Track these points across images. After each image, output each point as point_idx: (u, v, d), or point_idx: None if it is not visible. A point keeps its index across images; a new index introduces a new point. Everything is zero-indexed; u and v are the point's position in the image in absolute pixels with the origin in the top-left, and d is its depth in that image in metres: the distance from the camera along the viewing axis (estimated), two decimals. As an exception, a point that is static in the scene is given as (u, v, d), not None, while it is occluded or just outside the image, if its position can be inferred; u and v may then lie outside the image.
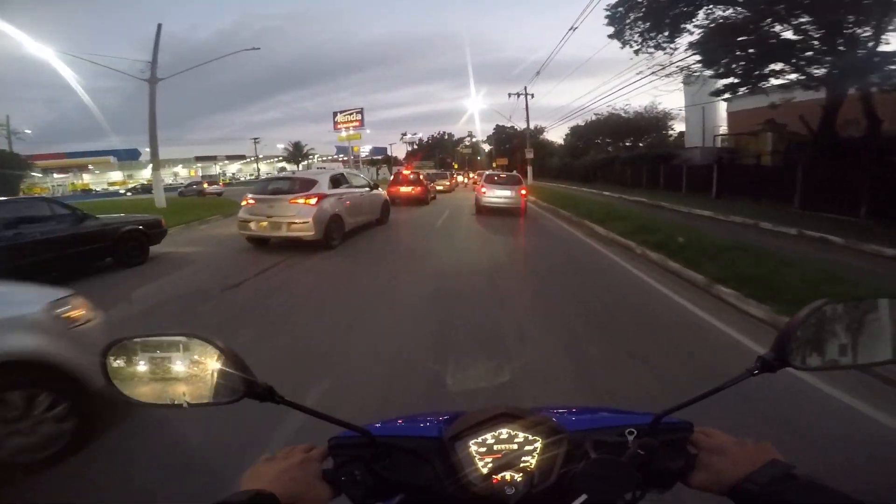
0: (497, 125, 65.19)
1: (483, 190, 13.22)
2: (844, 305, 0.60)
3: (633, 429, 0.61)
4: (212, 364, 0.57)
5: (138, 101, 16.78)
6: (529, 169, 30.55)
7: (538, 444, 0.62)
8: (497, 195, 13.00)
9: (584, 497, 0.53)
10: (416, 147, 72.84)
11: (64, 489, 1.97)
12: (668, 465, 0.61)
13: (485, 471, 0.61)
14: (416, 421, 0.79)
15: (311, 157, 69.13)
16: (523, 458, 0.61)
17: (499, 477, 0.60)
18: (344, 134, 37.68)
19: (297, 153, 67.29)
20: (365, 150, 59.51)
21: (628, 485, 0.55)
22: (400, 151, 71.28)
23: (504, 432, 0.63)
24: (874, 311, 0.60)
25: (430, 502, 0.64)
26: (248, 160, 68.99)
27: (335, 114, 38.17)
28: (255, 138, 63.01)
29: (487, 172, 16.28)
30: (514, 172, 16.61)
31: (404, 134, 68.63)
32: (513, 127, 61.90)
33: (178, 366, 0.58)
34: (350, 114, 37.42)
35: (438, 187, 24.97)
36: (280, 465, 0.60)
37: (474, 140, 72.79)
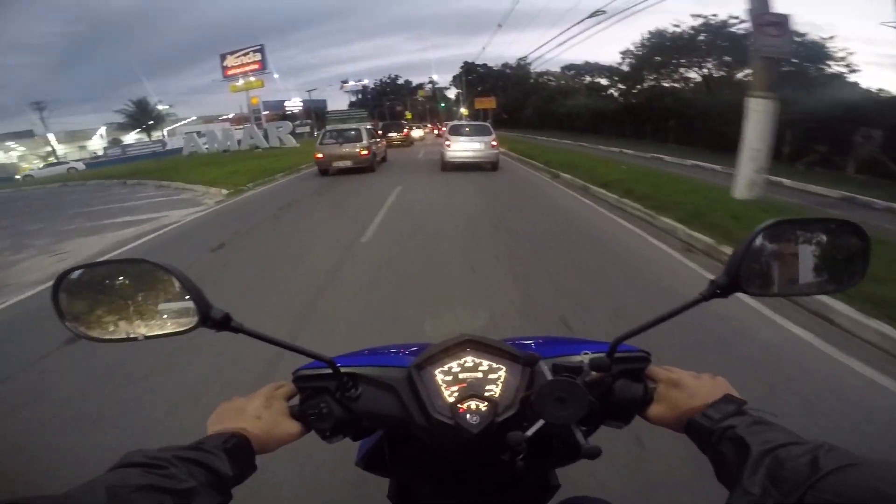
0: (465, 62, 53.29)
1: (448, 143, 12.39)
2: (797, 225, 0.61)
3: (588, 352, 0.64)
4: (165, 291, 0.57)
5: None
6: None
7: (502, 373, 0.64)
8: (465, 148, 12.30)
9: (541, 422, 0.54)
10: (359, 97, 59.68)
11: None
12: (626, 397, 0.62)
13: (450, 399, 0.62)
14: (383, 352, 0.80)
15: (164, 118, 47.79)
16: (487, 387, 0.63)
17: (464, 406, 0.60)
18: (240, 83, 26.56)
19: (141, 115, 45.78)
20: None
21: (582, 406, 0.54)
22: (341, 102, 58.63)
23: (469, 360, 0.65)
24: (829, 234, 0.61)
25: (406, 436, 0.67)
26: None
27: (223, 57, 27.04)
28: (38, 103, 39.56)
29: (452, 123, 14.88)
30: (486, 122, 15.52)
31: (345, 82, 55.37)
32: (485, 65, 51.31)
33: (130, 294, 0.58)
34: (245, 53, 26.36)
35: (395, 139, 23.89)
36: (245, 405, 0.60)
37: (435, 85, 60.69)
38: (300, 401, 0.66)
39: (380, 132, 24.57)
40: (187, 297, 0.55)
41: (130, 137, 45.18)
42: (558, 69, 45.15)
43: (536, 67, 44.32)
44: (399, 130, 26.23)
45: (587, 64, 44.49)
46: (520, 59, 46.64)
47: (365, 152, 12.72)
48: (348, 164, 12.67)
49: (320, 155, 12.71)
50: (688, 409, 0.55)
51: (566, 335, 2.36)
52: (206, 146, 27.25)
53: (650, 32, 28.18)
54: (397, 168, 14.17)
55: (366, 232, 5.96)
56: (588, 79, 42.88)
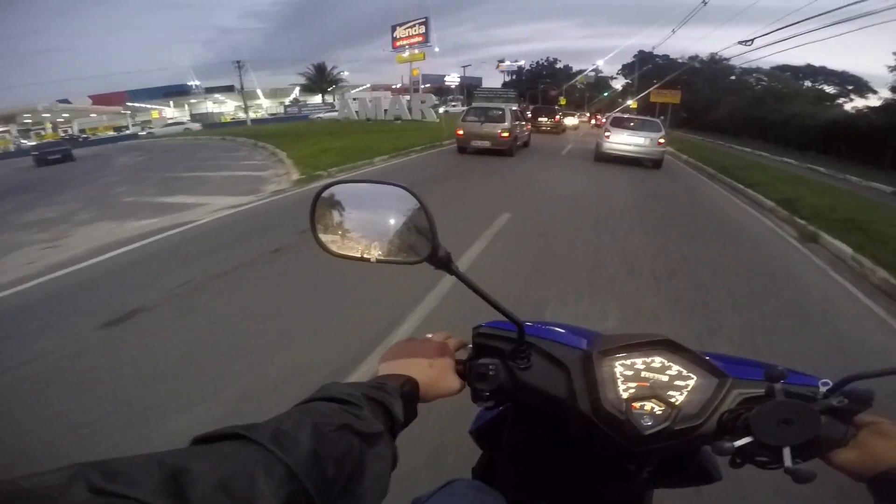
0: (641, 51, 47.76)
1: (607, 134, 11.69)
2: None
3: (829, 381, 0.57)
4: (409, 220, 0.59)
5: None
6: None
7: (691, 382, 0.60)
8: (625, 141, 11.35)
9: (749, 438, 0.52)
10: (513, 78, 57.75)
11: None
12: (825, 434, 0.55)
13: (625, 395, 0.59)
14: (567, 330, 0.71)
15: (338, 83, 52.18)
16: (670, 393, 0.59)
17: (638, 405, 0.58)
18: (406, 54, 27.50)
19: (320, 79, 50.28)
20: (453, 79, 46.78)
21: (810, 431, 0.51)
22: (496, 81, 57.63)
23: (658, 361, 0.61)
24: None
25: (539, 417, 0.66)
26: (236, 92, 48.00)
27: (393, 28, 28.24)
28: (238, 62, 41.86)
29: (615, 114, 14.15)
30: (657, 119, 14.05)
31: (501, 61, 53.89)
32: (667, 56, 45.50)
33: (375, 216, 0.60)
34: (411, 26, 27.05)
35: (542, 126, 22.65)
36: (420, 350, 0.61)
37: (598, 73, 55.93)
38: (469, 357, 0.65)
39: (529, 115, 23.43)
40: (425, 230, 0.56)
41: (314, 99, 51.90)
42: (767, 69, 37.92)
43: (739, 65, 37.56)
44: (550, 116, 24.29)
45: (809, 66, 36.60)
46: (713, 53, 39.88)
47: (505, 134, 11.63)
48: (487, 144, 11.81)
49: (461, 132, 12.03)
50: (885, 462, 0.50)
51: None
52: (357, 113, 29.76)
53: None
54: (537, 157, 12.77)
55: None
56: (808, 84, 35.28)
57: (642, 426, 0.56)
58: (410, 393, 0.53)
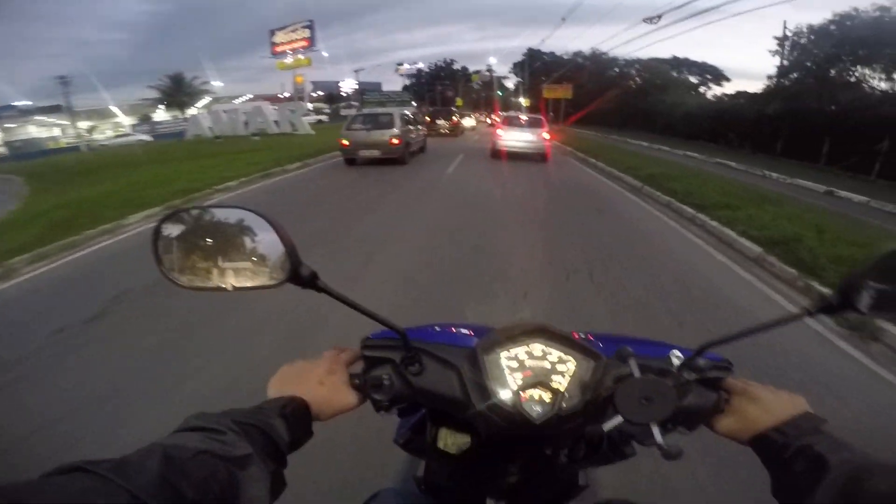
0: (529, 49, 49.89)
1: (499, 132, 12.85)
2: None
3: (678, 353, 0.62)
4: (263, 242, 0.56)
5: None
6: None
7: (572, 365, 0.62)
8: (515, 138, 12.54)
9: (619, 418, 0.54)
10: (413, 81, 57.72)
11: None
12: (698, 404, 0.61)
13: (514, 386, 0.61)
14: (453, 330, 0.76)
15: (201, 96, 43.19)
16: (554, 378, 0.61)
17: (527, 395, 0.59)
18: (289, 60, 25.80)
19: (177, 91, 41.32)
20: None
21: (669, 407, 0.53)
22: (395, 86, 57.03)
23: (538, 348, 0.63)
24: None
25: (454, 418, 0.66)
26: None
27: (272, 32, 26.37)
28: (63, 77, 34.36)
29: (505, 115, 14.77)
30: (539, 115, 14.66)
31: (400, 65, 53.50)
32: (552, 53, 47.96)
33: (225, 243, 0.58)
34: (294, 30, 25.49)
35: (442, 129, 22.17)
36: (308, 370, 0.61)
37: (492, 73, 57.92)
38: (363, 370, 0.65)
39: (428, 119, 23.11)
40: (283, 250, 0.54)
41: (165, 114, 42.39)
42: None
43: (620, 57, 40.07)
44: (447, 118, 23.86)
45: (675, 58, 40.26)
46: (594, 48, 42.70)
47: (396, 141, 10.88)
48: (376, 153, 10.95)
49: (346, 142, 11.02)
50: (760, 424, 0.54)
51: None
52: (211, 129, 23.48)
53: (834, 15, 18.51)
54: (433, 165, 12.16)
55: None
56: (674, 74, 38.88)
57: (533, 415, 0.57)
58: (296, 413, 0.52)
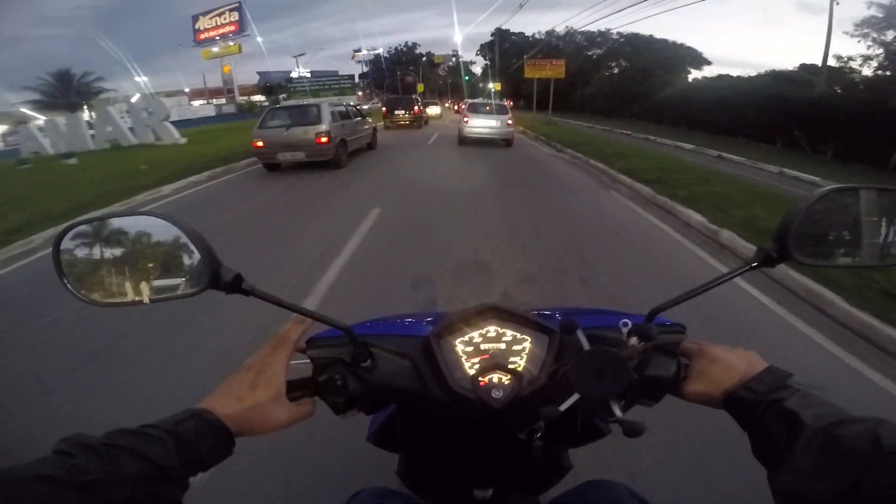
0: (498, 28, 46.48)
1: (466, 119, 12.72)
2: (862, 192, 0.57)
3: (627, 321, 0.59)
4: (175, 248, 0.53)
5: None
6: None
7: (527, 344, 0.61)
8: (481, 125, 12.48)
9: (576, 396, 0.51)
10: (372, 68, 53.12)
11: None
12: (659, 373, 0.60)
13: (471, 372, 0.59)
14: (402, 321, 0.74)
15: (93, 93, 32.88)
16: (511, 359, 0.60)
17: (486, 379, 0.58)
18: (217, 48, 22.36)
19: (65, 91, 32.43)
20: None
21: (623, 378, 0.50)
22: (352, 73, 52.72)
23: (492, 330, 0.62)
24: (878, 203, 0.57)
25: (419, 411, 0.67)
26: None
27: (195, 18, 22.84)
28: None
29: (471, 101, 14.24)
30: (504, 101, 15.32)
31: (357, 51, 49.20)
32: (522, 33, 44.87)
33: (136, 252, 0.54)
34: (220, 13, 22.05)
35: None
36: (235, 380, 0.54)
37: (458, 57, 54.72)
38: (312, 372, 0.62)
39: (384, 109, 20.07)
40: (198, 254, 0.51)
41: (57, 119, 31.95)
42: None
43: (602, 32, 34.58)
44: (408, 108, 20.36)
45: (651, 37, 36.12)
46: (568, 27, 38.76)
47: (324, 139, 8.20)
48: (300, 156, 8.32)
49: (260, 143, 8.31)
50: (726, 383, 0.53)
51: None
52: (49, 143, 14.72)
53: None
54: (383, 165, 9.56)
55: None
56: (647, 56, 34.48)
57: (494, 400, 0.56)
58: (201, 429, 0.46)
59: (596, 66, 35.12)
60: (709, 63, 35.89)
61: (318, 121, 8.31)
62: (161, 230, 0.52)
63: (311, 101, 9.62)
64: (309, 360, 0.63)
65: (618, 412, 0.50)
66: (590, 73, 33.62)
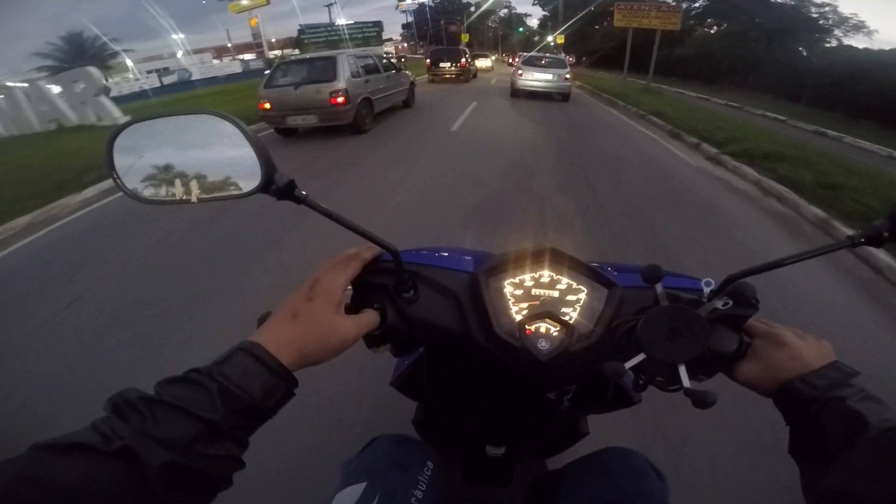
0: None
1: (520, 72, 12.33)
2: None
3: (710, 280, 0.53)
4: (231, 149, 0.50)
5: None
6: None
7: (582, 296, 0.57)
8: (537, 78, 12.09)
9: (641, 356, 0.47)
10: (415, 18, 49.42)
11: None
12: (718, 348, 0.52)
13: (518, 318, 0.55)
14: (451, 254, 0.66)
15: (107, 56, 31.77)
16: (563, 309, 0.56)
17: (532, 328, 0.54)
18: (245, 1, 20.96)
19: (79, 55, 30.38)
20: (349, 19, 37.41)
21: (701, 344, 0.46)
22: (396, 26, 49.55)
23: (546, 275, 0.58)
24: None
25: (453, 355, 0.64)
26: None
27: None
28: None
29: (527, 55, 13.81)
30: (562, 56, 15.02)
31: (401, 0, 45.58)
32: None
33: (189, 151, 0.52)
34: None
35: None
36: (289, 300, 0.49)
37: (511, 8, 50.09)
38: (351, 298, 0.57)
39: (428, 61, 18.01)
40: (254, 155, 0.48)
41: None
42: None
43: None
44: (454, 60, 17.81)
45: None
46: None
47: (340, 99, 6.55)
48: (313, 120, 6.75)
49: (267, 104, 6.80)
50: (785, 373, 0.49)
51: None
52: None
53: None
54: (417, 129, 7.75)
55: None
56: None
57: (539, 351, 0.52)
58: (243, 368, 0.40)
59: (697, 23, 28.98)
60: (869, 31, 27.39)
61: (332, 77, 6.61)
62: (218, 130, 0.50)
63: (327, 53, 7.74)
64: (350, 287, 0.56)
65: (685, 381, 0.45)
66: (685, 30, 27.20)
